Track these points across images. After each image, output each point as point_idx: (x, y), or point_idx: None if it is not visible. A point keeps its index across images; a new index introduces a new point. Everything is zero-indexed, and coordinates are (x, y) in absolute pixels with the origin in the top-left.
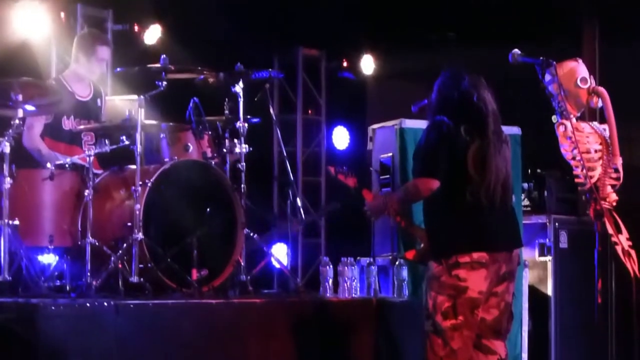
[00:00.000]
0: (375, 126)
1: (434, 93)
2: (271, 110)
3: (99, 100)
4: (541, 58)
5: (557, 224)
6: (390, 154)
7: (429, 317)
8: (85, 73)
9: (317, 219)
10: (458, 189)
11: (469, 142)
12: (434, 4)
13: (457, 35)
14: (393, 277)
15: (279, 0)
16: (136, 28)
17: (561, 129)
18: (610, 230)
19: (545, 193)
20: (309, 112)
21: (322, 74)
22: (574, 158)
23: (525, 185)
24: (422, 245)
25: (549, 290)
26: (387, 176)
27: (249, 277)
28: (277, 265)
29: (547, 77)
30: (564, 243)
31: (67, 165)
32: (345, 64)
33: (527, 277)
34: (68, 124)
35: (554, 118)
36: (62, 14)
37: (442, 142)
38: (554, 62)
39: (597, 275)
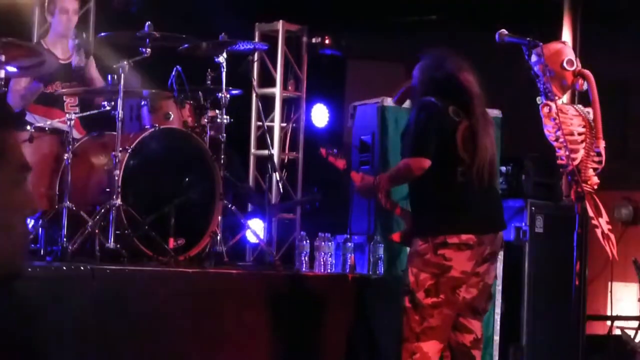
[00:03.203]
0: (356, 103)
1: (418, 75)
2: (254, 83)
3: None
4: (528, 39)
5: (533, 208)
6: (371, 132)
7: (408, 292)
8: (60, 30)
9: (294, 207)
10: (449, 169)
11: (458, 123)
12: None
13: (438, 17)
14: (369, 254)
15: None
16: None
17: (545, 110)
18: (590, 213)
19: (523, 177)
20: (289, 87)
21: (303, 49)
22: (557, 139)
23: (504, 168)
24: (405, 226)
25: (523, 274)
26: (367, 154)
27: (225, 249)
28: (254, 239)
29: (534, 58)
30: (539, 227)
31: (46, 128)
32: (327, 41)
33: (502, 260)
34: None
35: (538, 99)
36: None
37: (432, 122)
38: (541, 43)
39: (576, 258)
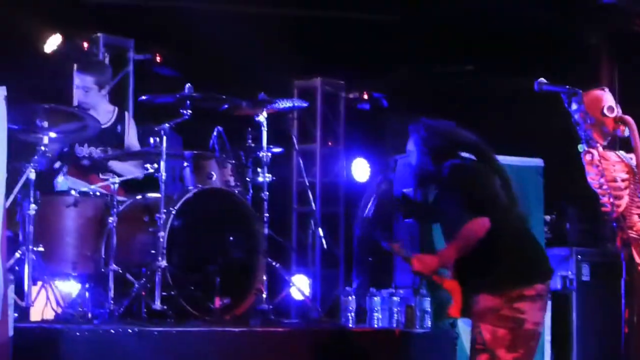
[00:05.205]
0: (397, 156)
1: (421, 146)
2: (294, 140)
3: (119, 127)
4: (567, 87)
5: (579, 256)
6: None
7: (485, 351)
8: (79, 103)
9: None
10: (503, 219)
11: (490, 173)
12: (452, 36)
13: (475, 67)
14: (415, 308)
15: (299, 31)
16: (158, 58)
17: (588, 157)
18: (637, 259)
19: (567, 225)
20: (329, 143)
21: (341, 105)
22: (600, 187)
23: (547, 217)
24: (452, 297)
25: (572, 323)
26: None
27: (270, 307)
28: (299, 296)
29: (573, 106)
30: (586, 275)
31: (90, 192)
32: (365, 95)
33: (550, 309)
34: (82, 150)
35: (580, 147)
36: (85, 44)
37: (473, 180)
38: (580, 91)
39: (625, 305)
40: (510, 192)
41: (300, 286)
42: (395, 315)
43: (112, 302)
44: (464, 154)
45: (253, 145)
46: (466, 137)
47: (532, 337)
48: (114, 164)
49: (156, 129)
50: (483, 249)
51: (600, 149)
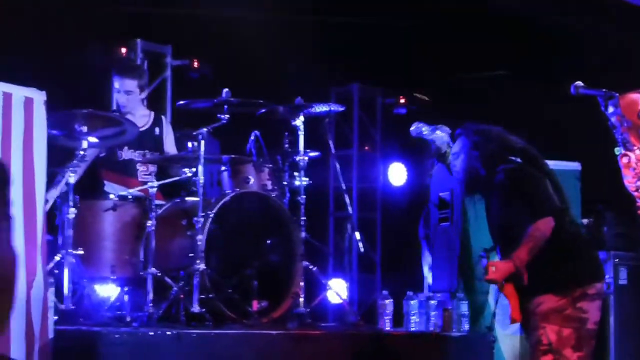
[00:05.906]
0: (434, 160)
1: (473, 151)
2: (331, 144)
3: (157, 129)
4: (603, 90)
5: (616, 259)
6: (450, 189)
7: (550, 351)
8: (121, 107)
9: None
10: (561, 221)
11: (543, 177)
12: (487, 41)
13: (510, 71)
14: (452, 311)
15: (336, 37)
16: (196, 63)
17: (624, 160)
18: None
19: (605, 229)
20: (366, 147)
21: (377, 109)
22: (637, 190)
23: (585, 220)
24: (510, 301)
25: (609, 326)
26: (447, 210)
27: (307, 310)
28: (336, 300)
29: (610, 109)
30: (623, 279)
31: (129, 196)
32: (401, 100)
33: None
34: (122, 154)
35: (616, 150)
36: (123, 49)
37: (533, 182)
38: (617, 94)
39: None
40: (562, 194)
41: (337, 290)
42: (432, 318)
43: (150, 305)
44: (514, 158)
45: (290, 149)
46: (515, 141)
47: (593, 336)
48: None
49: (194, 133)
50: (545, 250)
51: (637, 152)
